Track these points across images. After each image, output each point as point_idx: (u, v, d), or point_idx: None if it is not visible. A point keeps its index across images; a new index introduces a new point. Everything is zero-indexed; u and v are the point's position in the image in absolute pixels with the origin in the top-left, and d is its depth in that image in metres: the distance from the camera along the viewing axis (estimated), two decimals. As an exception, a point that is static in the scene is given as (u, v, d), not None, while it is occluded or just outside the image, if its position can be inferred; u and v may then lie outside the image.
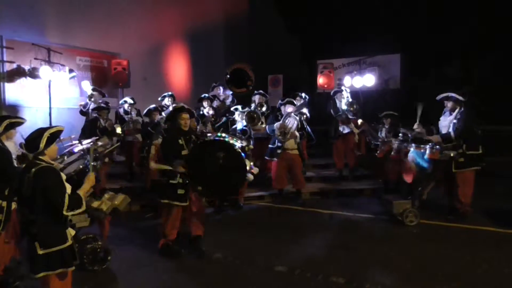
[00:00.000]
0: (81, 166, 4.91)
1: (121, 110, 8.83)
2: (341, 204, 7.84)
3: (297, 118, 7.82)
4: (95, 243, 4.82)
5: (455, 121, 6.40)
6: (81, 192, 3.41)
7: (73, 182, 4.22)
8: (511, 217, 6.58)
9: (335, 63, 12.92)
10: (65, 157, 5.05)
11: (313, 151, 10.11)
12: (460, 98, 6.46)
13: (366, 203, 7.93)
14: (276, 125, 7.65)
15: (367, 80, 11.41)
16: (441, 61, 13.41)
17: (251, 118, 7.77)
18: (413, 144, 6.45)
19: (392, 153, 7.32)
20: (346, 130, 9.04)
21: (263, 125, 8.19)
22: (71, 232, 3.42)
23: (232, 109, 8.45)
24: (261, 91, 9.14)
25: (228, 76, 10.40)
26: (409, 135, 6.65)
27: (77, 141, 5.74)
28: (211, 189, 5.21)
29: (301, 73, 15.32)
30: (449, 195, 6.76)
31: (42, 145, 3.26)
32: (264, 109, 8.73)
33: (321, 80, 11.93)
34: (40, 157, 3.31)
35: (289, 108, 7.80)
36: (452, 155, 6.26)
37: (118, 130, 7.80)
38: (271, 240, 5.93)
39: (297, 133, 7.69)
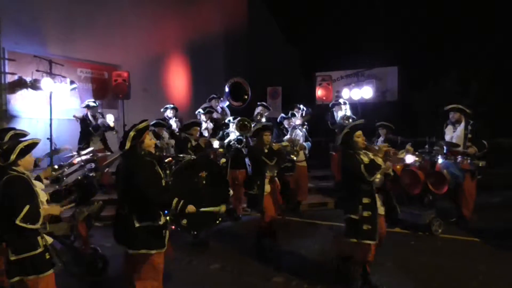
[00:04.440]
0: (79, 177, 4.97)
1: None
2: (339, 216, 7.82)
3: (303, 130, 7.94)
4: (95, 253, 4.86)
5: (466, 132, 6.69)
6: (45, 210, 3.49)
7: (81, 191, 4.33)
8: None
9: (333, 76, 13.05)
10: (66, 168, 5.10)
11: (312, 163, 10.15)
12: (468, 110, 6.78)
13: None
14: (285, 139, 7.71)
15: (365, 92, 11.51)
16: (439, 75, 13.53)
17: (243, 126, 7.74)
18: (459, 157, 6.76)
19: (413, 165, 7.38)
20: None
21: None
22: (47, 239, 3.49)
23: (226, 121, 8.53)
24: (263, 103, 9.16)
25: (228, 89, 10.59)
26: (444, 147, 6.90)
27: (75, 153, 5.80)
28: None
29: (300, 85, 15.45)
30: (456, 203, 6.94)
31: (13, 156, 3.38)
32: (263, 120, 8.79)
33: (319, 92, 12.04)
34: (14, 167, 3.43)
35: (298, 121, 7.94)
36: (480, 165, 6.68)
37: (216, 144, 7.62)
38: (269, 250, 5.94)
39: (305, 145, 7.79)
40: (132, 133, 3.74)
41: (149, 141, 3.94)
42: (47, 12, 9.55)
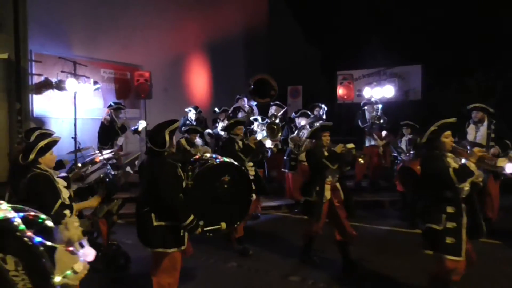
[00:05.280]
0: (101, 176, 5.09)
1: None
2: (358, 216, 7.76)
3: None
4: (117, 250, 4.97)
5: (489, 132, 6.55)
6: (84, 204, 3.61)
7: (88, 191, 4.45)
8: None
9: (354, 74, 12.94)
10: (89, 166, 5.23)
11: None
12: (490, 109, 6.62)
13: (384, 215, 7.87)
14: (291, 137, 7.74)
15: (387, 91, 11.36)
16: (463, 73, 13.21)
17: (272, 130, 7.83)
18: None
19: None
20: (372, 142, 9.06)
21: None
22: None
23: (251, 119, 8.56)
24: (277, 102, 9.17)
25: (252, 87, 10.49)
26: (468, 146, 6.76)
27: (97, 151, 5.93)
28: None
29: (321, 84, 15.36)
30: (480, 205, 6.79)
31: (32, 155, 3.48)
32: (277, 120, 8.79)
33: (340, 91, 11.96)
34: (37, 165, 3.54)
35: (303, 121, 7.90)
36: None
37: (268, 143, 7.38)
38: (286, 250, 5.96)
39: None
40: (167, 132, 3.83)
41: (173, 141, 4.06)
42: (72, 15, 9.82)
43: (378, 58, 12.71)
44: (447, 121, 3.95)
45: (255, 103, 10.30)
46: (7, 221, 2.15)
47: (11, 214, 2.17)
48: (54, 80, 9.26)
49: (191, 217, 3.78)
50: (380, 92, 11.26)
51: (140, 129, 8.84)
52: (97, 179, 5.06)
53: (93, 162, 5.54)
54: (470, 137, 6.95)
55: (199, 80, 13.22)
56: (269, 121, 8.35)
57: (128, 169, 6.30)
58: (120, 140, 8.65)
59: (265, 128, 7.89)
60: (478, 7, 12.30)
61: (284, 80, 13.54)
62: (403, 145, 7.95)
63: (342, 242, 5.16)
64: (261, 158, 6.91)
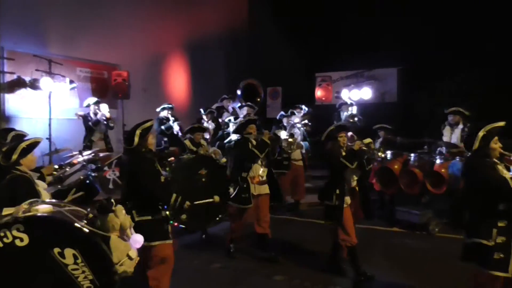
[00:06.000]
0: (81, 177, 4.97)
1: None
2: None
3: (301, 129, 7.94)
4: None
5: (463, 134, 6.80)
6: None
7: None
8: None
9: (333, 76, 13.10)
10: (67, 168, 5.10)
11: (312, 163, 10.18)
12: (466, 113, 6.87)
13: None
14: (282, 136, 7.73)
15: (364, 93, 11.54)
16: (438, 76, 13.54)
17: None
18: (457, 157, 6.72)
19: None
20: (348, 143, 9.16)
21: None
22: None
23: (226, 120, 8.53)
24: (249, 103, 9.21)
25: (241, 90, 10.47)
26: (444, 147, 6.93)
27: (77, 153, 5.78)
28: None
29: (300, 85, 15.43)
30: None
31: (15, 156, 3.43)
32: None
33: (319, 92, 12.10)
34: (17, 167, 3.49)
35: (296, 119, 7.93)
36: None
37: (283, 134, 7.18)
38: (271, 249, 5.95)
39: (302, 144, 7.79)
40: (139, 131, 3.93)
41: (152, 139, 4.17)
42: (47, 12, 9.51)
43: (356, 61, 12.89)
44: (497, 125, 3.59)
45: (237, 105, 10.30)
46: (60, 214, 2.17)
47: (61, 209, 2.19)
48: (27, 78, 8.96)
49: (174, 195, 3.95)
50: (358, 94, 11.45)
51: (107, 115, 8.53)
52: (77, 181, 4.94)
53: (71, 163, 5.40)
54: (445, 138, 7.23)
55: (178, 80, 13.08)
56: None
57: (112, 175, 6.16)
58: (96, 137, 8.49)
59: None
60: (453, 12, 12.65)
61: (264, 81, 13.53)
62: (378, 146, 8.12)
63: (352, 249, 4.95)
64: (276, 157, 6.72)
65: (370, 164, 5.33)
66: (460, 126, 7.12)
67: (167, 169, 4.90)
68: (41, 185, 3.66)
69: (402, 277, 4.96)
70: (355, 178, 5.11)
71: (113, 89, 10.34)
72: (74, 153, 5.78)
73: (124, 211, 2.81)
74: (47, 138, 8.25)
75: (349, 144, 5.18)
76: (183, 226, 5.35)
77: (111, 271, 2.19)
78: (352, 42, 13.25)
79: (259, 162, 5.57)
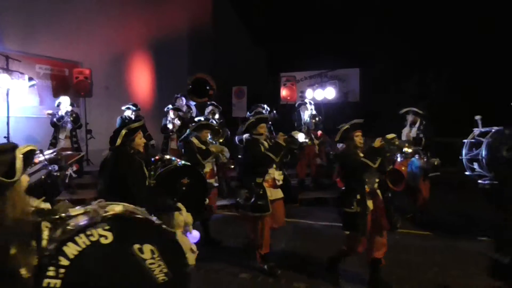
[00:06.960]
0: (43, 177, 4.83)
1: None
2: (303, 213, 8.05)
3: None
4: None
5: (418, 132, 7.04)
6: None
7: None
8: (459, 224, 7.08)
9: (297, 76, 13.32)
10: (27, 168, 4.94)
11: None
12: (420, 112, 7.14)
13: (328, 211, 8.17)
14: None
15: (328, 93, 11.81)
16: (399, 76, 14.06)
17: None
18: (416, 155, 6.95)
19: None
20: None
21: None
22: None
23: (196, 120, 8.52)
24: (213, 102, 9.36)
25: (190, 86, 10.47)
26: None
27: (38, 152, 5.64)
28: None
29: (265, 85, 15.61)
30: (413, 200, 7.28)
31: None
32: (216, 116, 8.94)
33: (284, 92, 12.26)
34: None
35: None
36: (436, 163, 6.88)
37: (301, 137, 6.87)
38: (235, 248, 6.04)
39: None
40: (124, 131, 3.86)
41: (139, 140, 4.06)
42: (4, 7, 9.18)
43: (320, 61, 13.19)
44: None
45: (194, 103, 10.35)
46: (136, 211, 2.32)
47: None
48: (-17, 75, 8.60)
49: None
50: (321, 93, 11.70)
51: (68, 108, 8.34)
52: (37, 181, 4.80)
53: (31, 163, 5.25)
54: (403, 137, 7.48)
55: (142, 79, 12.92)
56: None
57: (69, 171, 6.01)
58: (62, 134, 8.30)
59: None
60: (416, 13, 13.14)
61: (229, 80, 13.63)
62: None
63: (376, 260, 4.55)
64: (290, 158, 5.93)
65: (390, 164, 4.80)
66: (417, 125, 7.37)
67: (152, 173, 4.77)
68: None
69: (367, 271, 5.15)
70: (377, 180, 4.54)
71: (74, 87, 10.11)
72: (36, 152, 5.62)
73: (185, 209, 3.00)
74: (5, 137, 7.99)
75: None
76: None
77: (184, 263, 2.42)
78: (316, 42, 13.54)
79: (274, 166, 5.12)
